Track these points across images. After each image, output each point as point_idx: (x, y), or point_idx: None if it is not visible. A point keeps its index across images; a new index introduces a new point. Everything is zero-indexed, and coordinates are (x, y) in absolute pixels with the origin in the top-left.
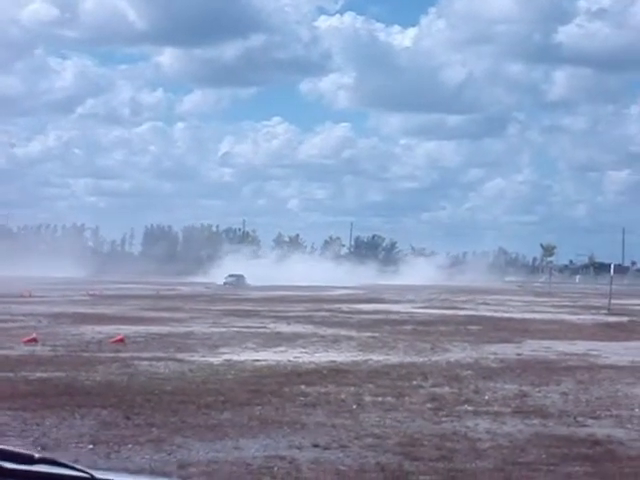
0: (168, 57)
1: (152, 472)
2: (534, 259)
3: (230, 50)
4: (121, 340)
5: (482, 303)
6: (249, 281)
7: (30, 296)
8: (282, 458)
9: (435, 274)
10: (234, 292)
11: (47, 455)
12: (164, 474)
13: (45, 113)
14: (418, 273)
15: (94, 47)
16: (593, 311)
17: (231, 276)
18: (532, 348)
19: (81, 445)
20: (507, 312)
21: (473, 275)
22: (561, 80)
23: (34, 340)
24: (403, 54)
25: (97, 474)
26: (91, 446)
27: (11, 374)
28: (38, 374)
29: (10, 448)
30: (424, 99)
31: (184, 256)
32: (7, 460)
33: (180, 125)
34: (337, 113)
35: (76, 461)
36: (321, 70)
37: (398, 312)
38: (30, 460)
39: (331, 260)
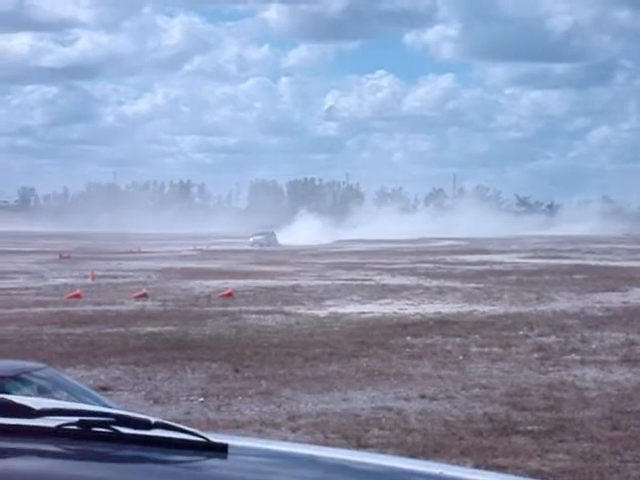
0: (274, 12)
1: (262, 423)
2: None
3: (335, 3)
4: (229, 294)
5: (588, 252)
6: (282, 240)
7: (139, 252)
8: (389, 409)
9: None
10: (336, 246)
11: (163, 420)
12: (273, 425)
13: (153, 71)
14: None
15: (201, 5)
16: None
17: (260, 234)
18: (638, 296)
19: (192, 398)
20: (613, 260)
21: (581, 224)
22: None
23: (144, 295)
24: (508, 3)
25: (213, 438)
26: (202, 399)
27: (122, 329)
28: (149, 329)
29: (127, 413)
30: (529, 48)
31: (287, 210)
32: (124, 425)
33: (285, 80)
34: (441, 64)
35: (188, 414)
36: (426, 21)
37: (502, 262)
38: (147, 425)
39: (435, 212)
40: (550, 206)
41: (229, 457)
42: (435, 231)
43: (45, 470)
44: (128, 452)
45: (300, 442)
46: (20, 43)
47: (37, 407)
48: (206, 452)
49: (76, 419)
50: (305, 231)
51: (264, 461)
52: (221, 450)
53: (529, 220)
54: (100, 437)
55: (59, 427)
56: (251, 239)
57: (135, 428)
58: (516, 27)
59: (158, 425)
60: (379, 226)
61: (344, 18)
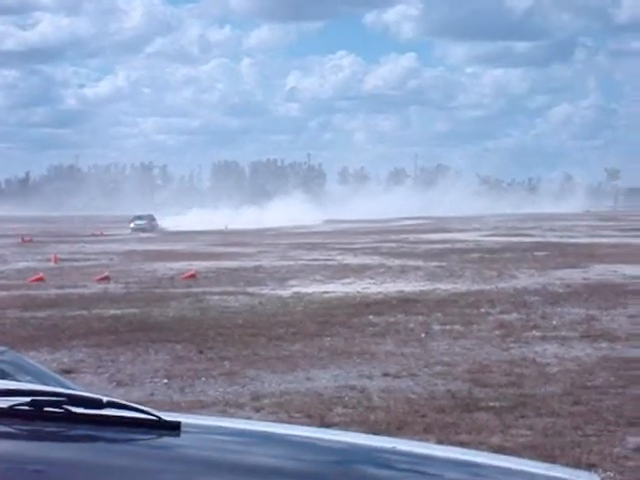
0: None
1: (226, 404)
2: (599, 183)
3: None
4: (192, 276)
5: (548, 229)
6: (164, 224)
7: (102, 235)
8: (353, 388)
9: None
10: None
11: (115, 399)
12: (237, 406)
13: (114, 53)
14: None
15: None
16: None
17: (140, 219)
18: (599, 272)
19: (156, 380)
20: (573, 237)
21: (545, 202)
22: (628, 3)
23: (107, 278)
24: None
25: (165, 416)
26: (165, 381)
27: (85, 312)
28: (112, 311)
29: (79, 393)
30: (490, 27)
31: (251, 190)
32: (76, 405)
33: (247, 61)
34: (402, 44)
35: (152, 395)
36: (387, 1)
37: (465, 241)
38: (98, 404)
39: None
40: (511, 184)
41: (182, 435)
42: (418, 210)
43: None
44: (80, 431)
45: (254, 420)
46: None
47: None
48: (158, 430)
49: (28, 399)
50: (287, 212)
51: (216, 438)
52: (173, 428)
53: (508, 198)
54: (52, 417)
55: (11, 408)
56: (132, 224)
57: (87, 407)
58: (477, 6)
59: (110, 404)
60: (356, 206)
61: None
